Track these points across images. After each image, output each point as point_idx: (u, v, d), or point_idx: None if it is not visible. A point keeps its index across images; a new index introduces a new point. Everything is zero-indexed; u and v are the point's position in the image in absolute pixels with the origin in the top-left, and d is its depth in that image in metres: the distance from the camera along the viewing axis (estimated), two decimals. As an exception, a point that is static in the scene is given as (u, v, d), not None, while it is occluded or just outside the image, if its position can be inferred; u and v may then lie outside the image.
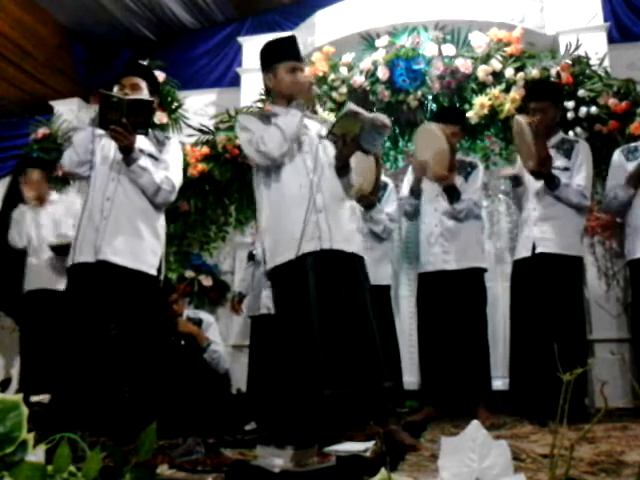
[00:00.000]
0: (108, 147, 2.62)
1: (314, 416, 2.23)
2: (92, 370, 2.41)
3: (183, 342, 3.42)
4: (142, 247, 2.58)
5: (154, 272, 2.62)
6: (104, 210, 2.54)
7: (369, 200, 3.33)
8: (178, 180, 2.74)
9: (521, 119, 3.07)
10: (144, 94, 2.66)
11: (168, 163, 2.70)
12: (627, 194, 3.26)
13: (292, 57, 2.47)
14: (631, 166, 3.27)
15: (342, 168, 2.40)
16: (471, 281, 3.31)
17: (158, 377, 2.56)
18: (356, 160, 2.52)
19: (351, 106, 2.31)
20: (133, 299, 2.53)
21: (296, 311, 2.32)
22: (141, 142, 2.62)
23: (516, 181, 3.30)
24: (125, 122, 2.43)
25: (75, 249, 2.54)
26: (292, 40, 2.55)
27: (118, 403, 2.45)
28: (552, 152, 3.14)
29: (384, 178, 3.57)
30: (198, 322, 3.56)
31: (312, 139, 2.44)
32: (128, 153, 2.52)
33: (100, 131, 2.55)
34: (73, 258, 2.55)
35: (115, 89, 2.66)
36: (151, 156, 2.67)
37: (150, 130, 2.74)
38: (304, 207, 2.33)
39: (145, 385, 2.51)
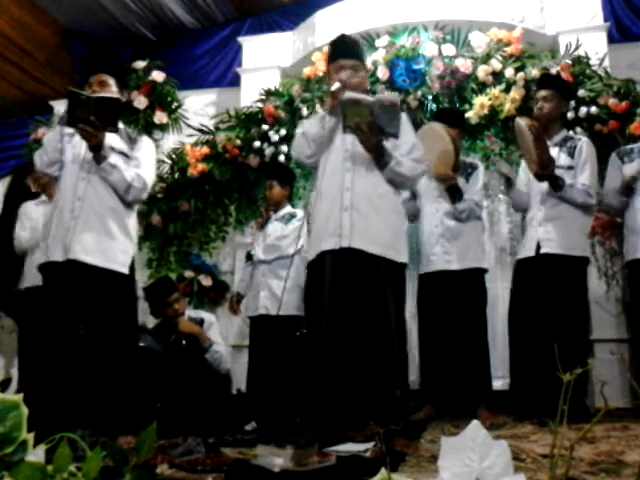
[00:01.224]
0: (79, 146, 2.60)
1: (313, 413, 2.23)
2: (60, 369, 2.41)
3: (184, 342, 3.42)
4: (112, 246, 2.57)
5: (125, 270, 2.60)
6: (74, 209, 2.53)
7: None
8: (150, 177, 2.72)
9: (521, 121, 3.07)
10: (112, 91, 2.65)
11: (140, 160, 2.68)
12: (619, 203, 3.30)
13: (339, 56, 2.47)
14: (626, 168, 3.29)
15: (379, 159, 2.36)
16: (472, 281, 3.30)
17: (126, 376, 2.53)
18: None
19: (348, 95, 2.30)
20: (104, 298, 2.52)
21: (312, 309, 2.35)
22: (112, 140, 2.61)
23: (508, 182, 3.32)
24: (93, 120, 2.41)
25: (45, 248, 2.54)
26: (340, 39, 2.55)
27: (85, 402, 2.43)
28: (555, 150, 3.15)
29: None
30: (200, 322, 3.56)
31: (352, 137, 2.39)
32: (98, 151, 2.51)
33: (71, 130, 2.54)
34: (43, 257, 2.55)
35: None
36: (122, 154, 2.65)
37: (122, 127, 2.72)
38: (331, 205, 2.34)
39: (113, 383, 2.49)
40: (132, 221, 2.72)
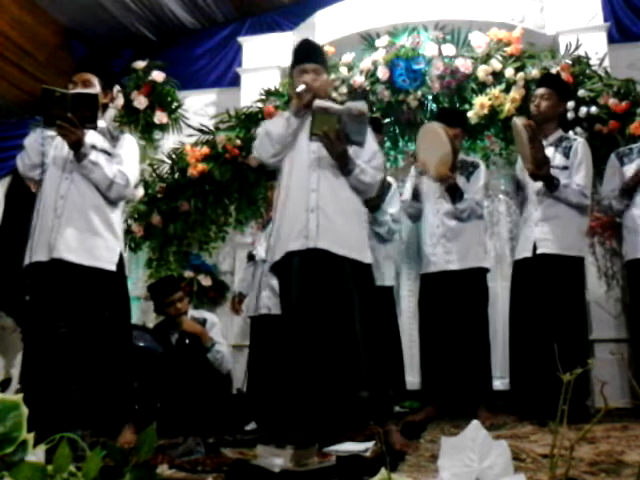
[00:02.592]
0: (61, 146, 2.58)
1: (292, 417, 2.25)
2: (41, 369, 2.40)
3: (188, 341, 3.42)
4: (98, 244, 2.55)
5: (112, 268, 2.58)
6: (57, 208, 2.51)
7: (374, 202, 3.32)
8: (133, 174, 2.70)
9: (518, 121, 3.08)
10: (96, 90, 2.63)
11: (122, 157, 2.67)
12: (621, 205, 3.31)
13: (301, 61, 2.49)
14: (626, 169, 3.29)
15: (344, 166, 2.37)
16: (473, 281, 3.30)
17: (113, 374, 2.52)
18: None
19: (317, 103, 2.32)
20: (90, 296, 2.50)
21: (283, 311, 2.36)
22: (94, 138, 2.59)
23: (518, 185, 3.31)
24: (70, 117, 2.39)
25: (29, 249, 2.52)
26: (302, 44, 2.58)
27: (66, 401, 2.42)
28: (551, 150, 3.16)
29: (388, 178, 3.56)
30: (202, 322, 3.56)
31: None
32: (78, 149, 2.49)
33: (52, 132, 2.52)
34: (27, 258, 2.53)
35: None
36: (105, 152, 2.63)
37: (105, 125, 2.71)
38: (298, 206, 2.34)
39: (98, 381, 2.48)
40: (117, 218, 2.70)
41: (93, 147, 2.57)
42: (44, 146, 2.56)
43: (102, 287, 2.54)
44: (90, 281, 2.51)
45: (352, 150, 2.38)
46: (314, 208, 2.32)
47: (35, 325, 2.48)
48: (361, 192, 2.44)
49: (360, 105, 2.35)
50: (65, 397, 2.41)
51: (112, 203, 2.65)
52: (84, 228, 2.53)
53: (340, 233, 2.32)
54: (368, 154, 2.44)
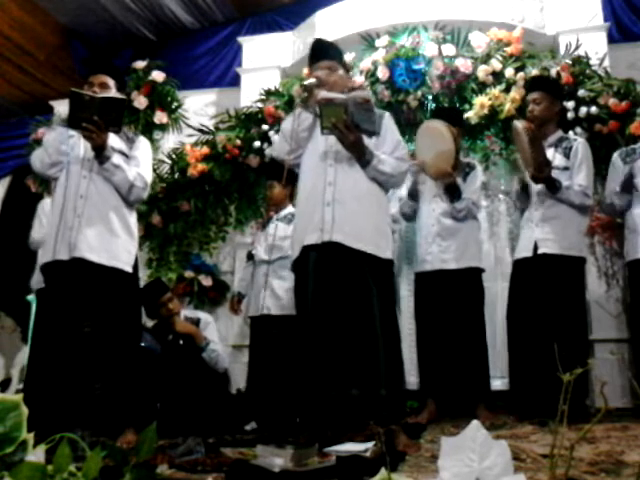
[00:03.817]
0: (79, 146, 2.61)
1: (305, 415, 2.24)
2: (64, 368, 2.41)
3: (181, 342, 3.42)
4: (116, 244, 2.58)
5: (129, 269, 2.61)
6: (77, 208, 2.53)
7: None
8: (149, 177, 2.74)
9: (518, 124, 3.07)
10: (113, 92, 2.66)
11: (139, 160, 2.70)
12: (623, 201, 3.29)
13: (316, 60, 2.50)
14: (631, 169, 3.28)
15: (360, 157, 2.33)
16: (469, 281, 3.30)
17: (131, 374, 2.55)
18: None
19: (320, 95, 2.31)
20: (108, 296, 2.53)
21: (298, 309, 2.35)
22: (112, 139, 2.61)
23: (524, 186, 3.28)
24: (97, 120, 2.42)
25: (48, 248, 2.53)
26: (313, 45, 2.58)
27: (89, 400, 2.44)
28: (551, 151, 3.16)
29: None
30: (196, 322, 3.56)
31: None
32: (101, 151, 2.51)
33: (71, 132, 2.54)
34: (46, 257, 2.54)
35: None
36: (122, 153, 2.66)
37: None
38: (314, 200, 2.33)
39: (117, 382, 2.51)
40: (133, 220, 2.74)
41: (112, 149, 2.59)
42: (66, 145, 2.58)
43: (119, 288, 2.57)
44: (108, 281, 2.54)
45: (373, 141, 2.36)
46: (330, 202, 2.29)
47: (55, 323, 2.48)
48: (382, 183, 2.39)
49: (364, 93, 2.35)
50: (83, 396, 2.43)
51: (129, 205, 2.69)
52: (104, 228, 2.56)
53: (357, 226, 2.27)
54: (391, 145, 2.41)
